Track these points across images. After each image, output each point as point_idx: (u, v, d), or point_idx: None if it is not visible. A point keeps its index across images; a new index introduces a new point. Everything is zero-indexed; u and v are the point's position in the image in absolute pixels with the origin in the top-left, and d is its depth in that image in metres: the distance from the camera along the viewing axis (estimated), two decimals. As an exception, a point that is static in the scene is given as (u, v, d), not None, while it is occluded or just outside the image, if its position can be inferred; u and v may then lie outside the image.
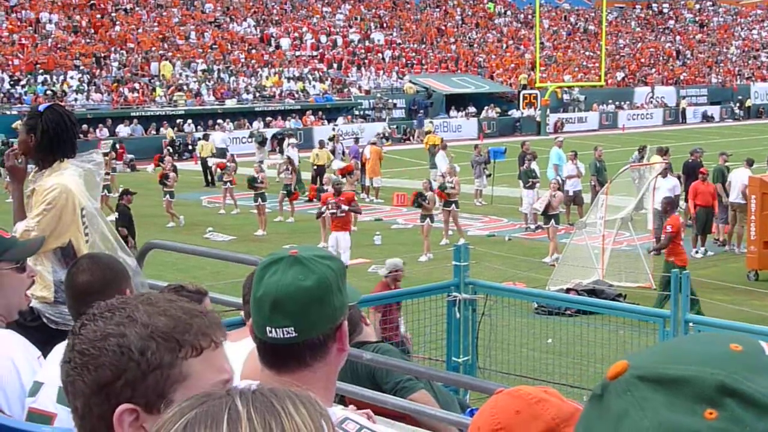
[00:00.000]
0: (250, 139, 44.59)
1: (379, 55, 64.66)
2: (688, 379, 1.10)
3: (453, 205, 22.97)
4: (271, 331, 2.39)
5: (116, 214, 21.31)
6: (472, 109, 60.84)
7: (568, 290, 16.91)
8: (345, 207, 20.03)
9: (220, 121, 48.54)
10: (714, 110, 71.12)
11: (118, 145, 40.82)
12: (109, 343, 1.81)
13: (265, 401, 1.39)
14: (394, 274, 11.86)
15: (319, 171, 31.38)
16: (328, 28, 65.79)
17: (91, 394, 1.82)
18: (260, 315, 2.41)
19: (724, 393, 1.08)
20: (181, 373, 1.83)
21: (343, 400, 4.82)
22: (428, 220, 21.82)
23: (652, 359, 1.14)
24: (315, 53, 62.17)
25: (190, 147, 45.46)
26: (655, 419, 1.09)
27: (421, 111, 57.50)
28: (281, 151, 38.15)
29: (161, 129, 48.04)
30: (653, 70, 75.64)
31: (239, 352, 2.89)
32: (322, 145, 34.06)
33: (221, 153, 37.46)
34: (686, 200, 22.83)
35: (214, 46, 58.28)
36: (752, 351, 1.14)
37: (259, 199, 25.21)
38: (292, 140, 37.43)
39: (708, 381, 1.09)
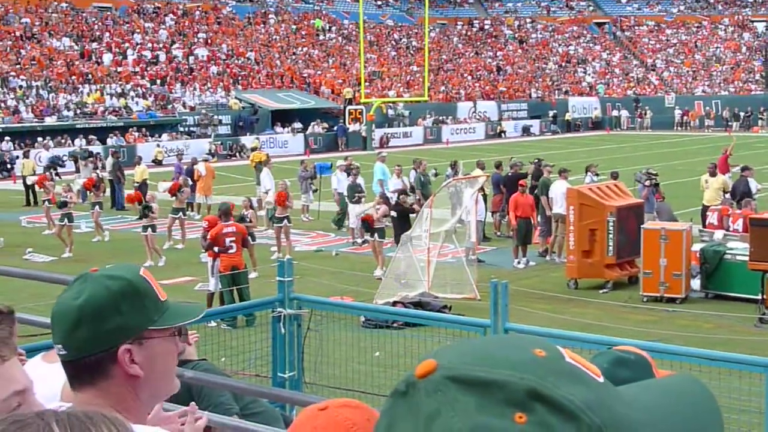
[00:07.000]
0: (70, 158, 43.45)
1: (202, 70, 63.98)
2: (500, 383, 1.12)
3: (285, 220, 22.84)
4: (56, 349, 2.35)
5: None
6: (298, 125, 60.79)
7: (394, 303, 17.06)
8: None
9: (40, 138, 47.28)
10: (534, 124, 73.20)
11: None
12: None
13: (81, 426, 1.39)
14: None
15: (141, 188, 30.67)
16: (151, 44, 64.72)
17: None
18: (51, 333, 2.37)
19: (533, 398, 1.12)
20: None
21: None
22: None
23: (461, 360, 1.16)
24: (137, 69, 61.06)
25: (8, 165, 44.14)
26: (467, 421, 1.10)
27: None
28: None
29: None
30: (476, 84, 77.27)
31: (59, 373, 2.78)
32: (140, 161, 33.74)
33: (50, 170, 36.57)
34: (507, 212, 23.46)
35: (33, 62, 56.62)
36: (555, 356, 1.18)
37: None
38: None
39: (519, 386, 1.12)
